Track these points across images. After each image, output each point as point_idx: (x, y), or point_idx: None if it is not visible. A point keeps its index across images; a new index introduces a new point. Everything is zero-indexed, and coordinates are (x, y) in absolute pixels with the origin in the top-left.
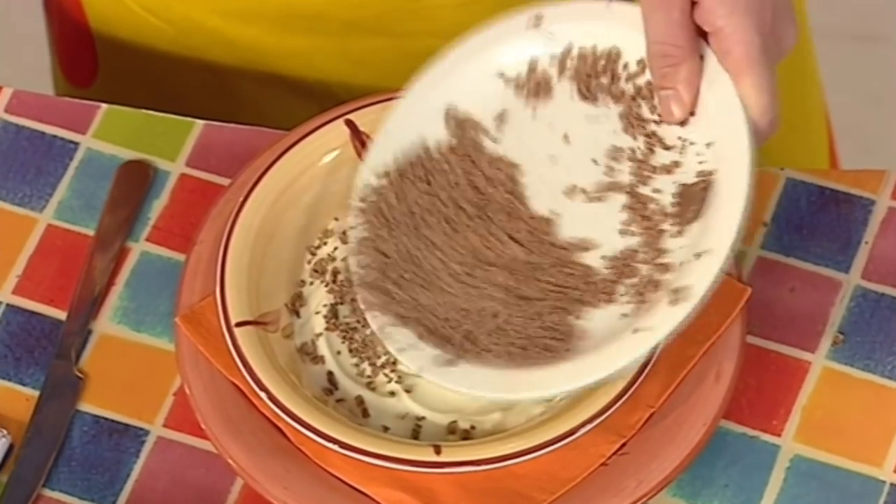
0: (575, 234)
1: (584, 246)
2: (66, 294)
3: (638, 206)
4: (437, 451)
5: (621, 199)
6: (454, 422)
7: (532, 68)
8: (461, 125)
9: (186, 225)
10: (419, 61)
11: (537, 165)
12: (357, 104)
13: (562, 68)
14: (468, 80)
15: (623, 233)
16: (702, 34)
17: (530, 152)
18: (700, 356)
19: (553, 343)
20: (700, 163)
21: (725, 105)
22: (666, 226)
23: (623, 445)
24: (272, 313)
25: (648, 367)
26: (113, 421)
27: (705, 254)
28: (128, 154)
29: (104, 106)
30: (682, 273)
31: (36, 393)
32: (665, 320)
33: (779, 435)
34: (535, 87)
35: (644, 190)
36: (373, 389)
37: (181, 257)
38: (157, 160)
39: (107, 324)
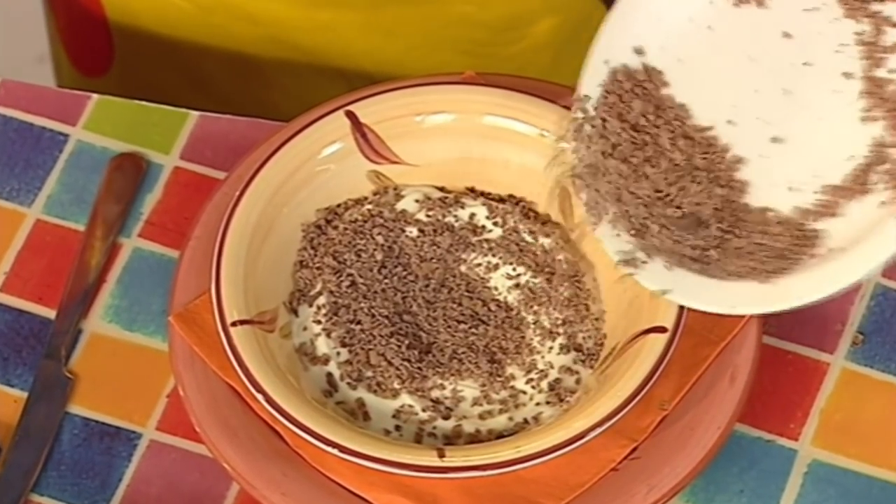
0: (811, 133)
1: (825, 144)
2: (56, 291)
3: (876, 90)
4: (441, 454)
5: (857, 86)
6: (459, 425)
7: None
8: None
9: (181, 220)
10: (450, 29)
11: (760, 70)
12: (357, 95)
13: None
14: (653, 11)
15: (865, 120)
16: None
17: (750, 58)
18: (714, 357)
19: (800, 249)
20: None
21: None
22: None
23: (634, 450)
24: (270, 312)
25: (661, 368)
26: (104, 423)
27: None
28: (120, 146)
29: (95, 96)
30: None
31: (24, 394)
32: None
33: (796, 439)
34: None
35: (879, 73)
36: (374, 391)
37: (175, 254)
38: (150, 152)
39: (98, 322)
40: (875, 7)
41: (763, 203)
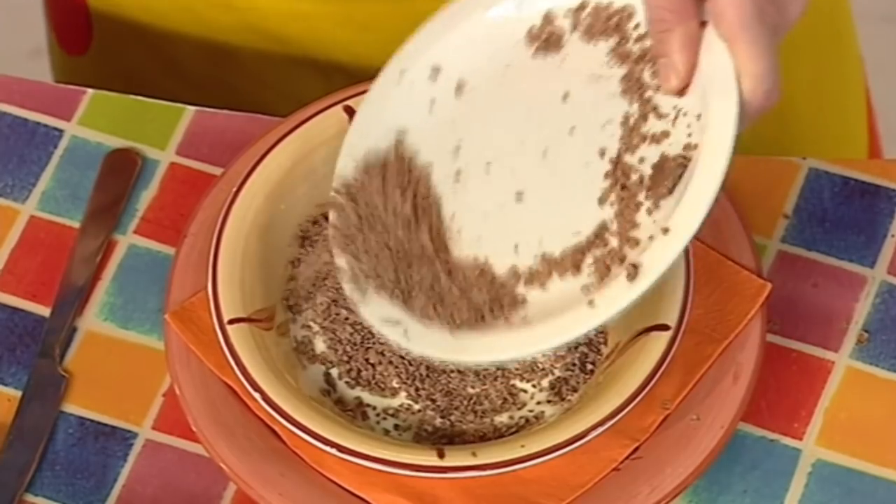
0: (553, 201)
1: (560, 215)
2: (50, 289)
3: (620, 176)
4: (441, 454)
5: (605, 166)
6: (459, 424)
7: (548, 20)
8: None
9: (176, 217)
10: None
11: (531, 124)
12: (356, 90)
13: (575, 22)
14: (464, 35)
15: (601, 201)
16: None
17: (528, 109)
18: (718, 355)
19: (497, 310)
20: (688, 135)
21: (720, 74)
22: (642, 198)
23: (636, 449)
24: (267, 310)
25: (664, 367)
26: (99, 423)
27: (670, 232)
28: (115, 142)
29: (90, 91)
30: (645, 249)
31: (18, 393)
32: (620, 297)
33: (800, 438)
34: (546, 40)
35: (629, 159)
36: (372, 390)
37: (171, 251)
38: (146, 148)
39: (93, 320)
40: (649, 93)
41: (482, 253)
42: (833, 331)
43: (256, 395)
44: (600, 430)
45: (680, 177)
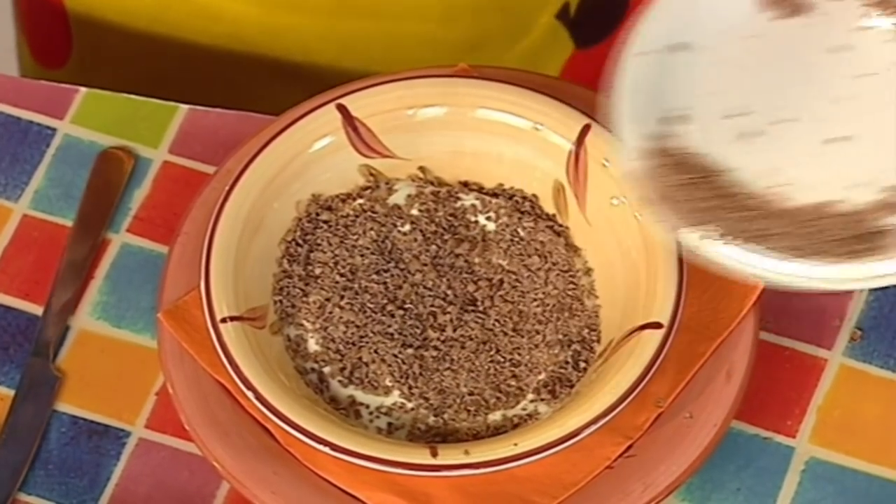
0: (875, 140)
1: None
2: (43, 288)
3: None
4: (434, 452)
5: None
6: (452, 422)
7: None
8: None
9: (169, 215)
10: (409, 47)
11: (811, 85)
12: (349, 88)
13: None
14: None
15: None
16: None
17: (805, 71)
18: (711, 353)
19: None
20: None
21: None
22: None
23: (630, 447)
24: (260, 308)
25: (657, 365)
26: (92, 422)
27: None
28: (108, 140)
29: (83, 90)
30: None
31: (11, 392)
32: None
33: (793, 436)
34: (792, 4)
35: None
36: (366, 389)
37: (164, 249)
38: (139, 147)
39: (86, 319)
40: None
41: (822, 197)
42: (826, 328)
43: (249, 394)
44: (593, 428)
45: None
